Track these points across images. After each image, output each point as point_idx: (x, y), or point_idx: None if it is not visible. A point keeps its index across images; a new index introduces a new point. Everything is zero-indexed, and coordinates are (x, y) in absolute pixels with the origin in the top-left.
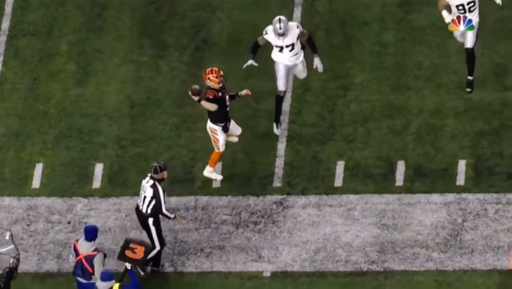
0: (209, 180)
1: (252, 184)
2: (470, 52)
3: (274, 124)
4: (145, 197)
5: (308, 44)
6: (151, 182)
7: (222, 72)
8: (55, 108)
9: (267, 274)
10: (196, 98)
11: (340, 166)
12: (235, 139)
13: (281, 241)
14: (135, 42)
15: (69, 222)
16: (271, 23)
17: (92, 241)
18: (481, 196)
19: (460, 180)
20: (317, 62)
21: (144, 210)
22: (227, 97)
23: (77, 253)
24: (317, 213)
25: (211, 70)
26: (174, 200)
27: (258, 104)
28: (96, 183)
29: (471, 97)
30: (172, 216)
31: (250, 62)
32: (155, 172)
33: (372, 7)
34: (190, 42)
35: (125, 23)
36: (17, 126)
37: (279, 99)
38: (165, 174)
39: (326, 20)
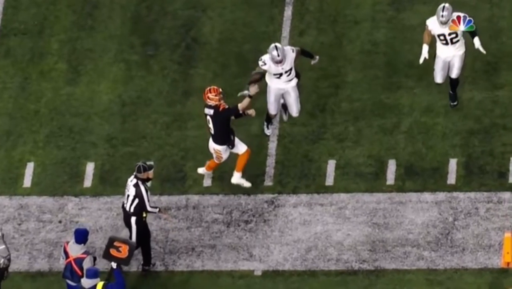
0: (200, 179)
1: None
2: (455, 80)
3: (265, 124)
4: (128, 195)
5: (304, 55)
6: (134, 181)
7: (220, 90)
8: (46, 107)
9: (258, 273)
10: (255, 88)
11: (331, 165)
12: (247, 184)
13: (272, 240)
14: (126, 41)
15: (60, 221)
16: (262, 22)
17: (82, 244)
18: (472, 194)
19: (451, 178)
20: (314, 61)
21: (127, 208)
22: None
23: (67, 256)
24: (308, 212)
25: (210, 89)
26: (165, 199)
27: None
28: (87, 182)
29: (462, 96)
30: (157, 210)
31: (246, 92)
32: (139, 171)
33: (363, 5)
34: (181, 41)
35: (116, 22)
36: (8, 125)
37: (270, 117)
38: (150, 174)
39: (317, 18)
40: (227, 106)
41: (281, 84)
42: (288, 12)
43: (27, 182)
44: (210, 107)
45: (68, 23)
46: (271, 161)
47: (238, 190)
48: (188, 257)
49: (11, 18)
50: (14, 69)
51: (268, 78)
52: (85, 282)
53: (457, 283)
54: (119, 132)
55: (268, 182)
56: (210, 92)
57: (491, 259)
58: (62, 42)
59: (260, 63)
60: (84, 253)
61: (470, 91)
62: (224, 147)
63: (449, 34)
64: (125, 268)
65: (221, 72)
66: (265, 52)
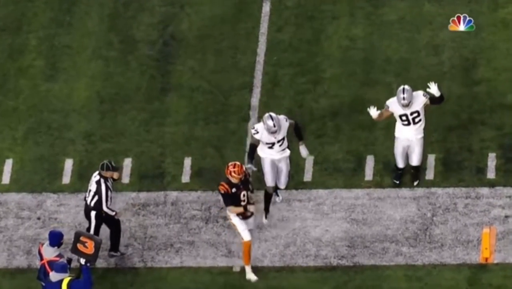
0: (179, 175)
1: (222, 179)
2: (417, 168)
3: (264, 215)
4: (90, 190)
5: (295, 131)
6: (97, 177)
7: (244, 168)
8: (25, 103)
9: (237, 269)
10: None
11: (309, 161)
12: (254, 278)
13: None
14: (104, 38)
15: (39, 218)
16: (240, 18)
17: (56, 247)
18: (450, 190)
19: (430, 174)
20: (301, 149)
21: (88, 202)
22: (242, 193)
23: (41, 257)
24: (287, 208)
25: (234, 165)
26: (143, 195)
27: (227, 99)
28: (66, 179)
29: (440, 91)
30: (113, 213)
31: (249, 166)
32: (102, 168)
33: (341, 1)
34: (159, 37)
35: (94, 19)
36: None
37: (268, 196)
38: (115, 174)
39: (295, 14)
40: (228, 193)
41: (274, 155)
42: (266, 8)
43: (5, 178)
44: (226, 178)
45: (46, 20)
46: None
47: (216, 186)
48: (167, 253)
49: None
50: None
51: (260, 149)
52: (53, 276)
53: (436, 278)
54: (97, 128)
55: None
56: (234, 168)
57: (469, 254)
58: (40, 39)
59: (253, 131)
60: (57, 256)
61: (449, 86)
62: (230, 207)
63: (411, 114)
64: (103, 264)
65: (199, 69)
66: (243, 48)
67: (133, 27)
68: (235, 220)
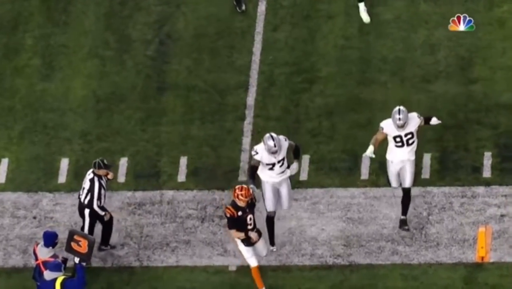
0: (175, 175)
1: (218, 178)
2: (407, 192)
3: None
4: (83, 188)
5: (294, 152)
6: (91, 175)
7: (251, 191)
8: (20, 103)
9: (233, 268)
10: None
11: (305, 160)
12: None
13: None
14: (100, 37)
15: (34, 217)
16: (236, 17)
17: (50, 247)
18: (446, 189)
19: (425, 173)
20: (293, 165)
21: (82, 200)
22: (249, 217)
23: (36, 257)
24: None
25: (241, 188)
26: (139, 194)
27: (223, 98)
28: (62, 178)
29: (436, 90)
30: (103, 213)
31: (252, 186)
32: (94, 166)
33: (336, 0)
34: (155, 36)
35: (90, 18)
36: None
37: (270, 220)
38: (110, 174)
39: (290, 13)
40: (234, 217)
41: (275, 177)
42: (262, 7)
43: (1, 178)
44: (232, 201)
45: (42, 19)
46: (245, 156)
47: (212, 185)
48: (163, 252)
49: None
50: None
51: (261, 172)
52: (47, 274)
53: (432, 277)
54: (93, 127)
55: (242, 177)
56: (241, 191)
57: (465, 253)
58: (36, 38)
59: (253, 152)
60: (52, 256)
61: (444, 85)
62: (232, 231)
63: (405, 135)
64: (99, 263)
65: (194, 68)
66: (239, 47)
67: (129, 26)
68: (241, 248)
